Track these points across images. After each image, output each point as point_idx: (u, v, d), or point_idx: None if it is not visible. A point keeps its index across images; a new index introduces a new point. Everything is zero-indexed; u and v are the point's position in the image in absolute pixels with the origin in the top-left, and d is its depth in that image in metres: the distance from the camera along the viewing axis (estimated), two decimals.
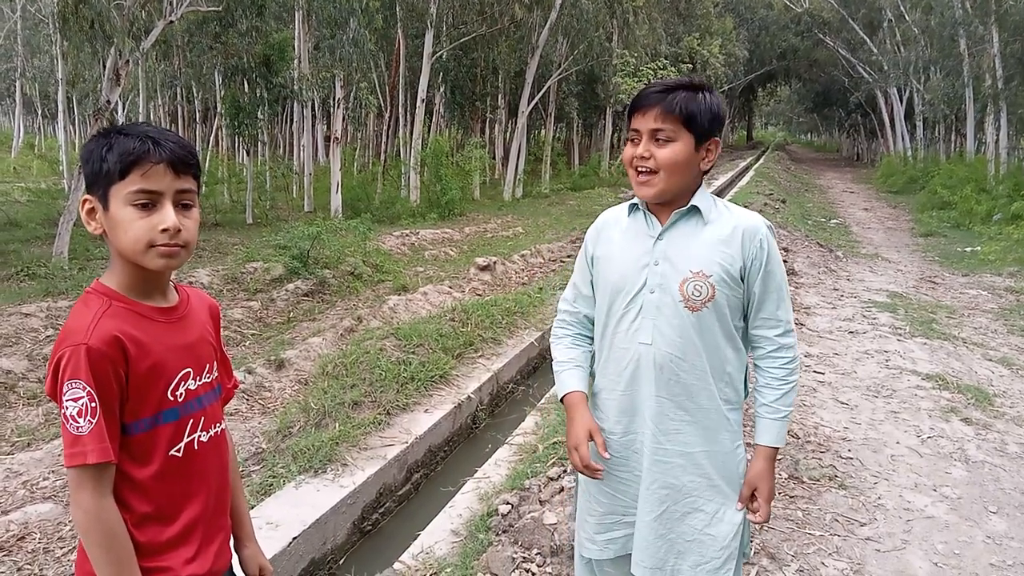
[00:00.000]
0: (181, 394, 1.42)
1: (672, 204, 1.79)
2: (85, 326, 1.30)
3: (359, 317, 7.06)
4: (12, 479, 3.95)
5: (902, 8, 26.85)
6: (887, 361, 5.95)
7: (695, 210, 1.78)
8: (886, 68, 29.07)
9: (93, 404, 1.28)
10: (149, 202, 1.33)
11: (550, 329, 6.47)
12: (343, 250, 9.90)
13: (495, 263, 9.91)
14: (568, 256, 11.39)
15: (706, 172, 1.80)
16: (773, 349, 1.81)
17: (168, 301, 1.46)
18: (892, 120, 32.11)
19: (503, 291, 8.80)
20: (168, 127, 21.40)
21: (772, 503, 1.87)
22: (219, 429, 1.54)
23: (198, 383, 1.47)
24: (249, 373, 5.46)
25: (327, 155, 20.12)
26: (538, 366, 6.61)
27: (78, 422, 1.27)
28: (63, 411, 1.28)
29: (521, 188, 21.61)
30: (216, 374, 1.55)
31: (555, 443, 4.10)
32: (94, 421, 1.28)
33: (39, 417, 4.99)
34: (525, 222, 15.62)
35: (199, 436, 1.46)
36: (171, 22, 11.65)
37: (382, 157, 22.06)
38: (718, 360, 1.79)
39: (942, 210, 17.09)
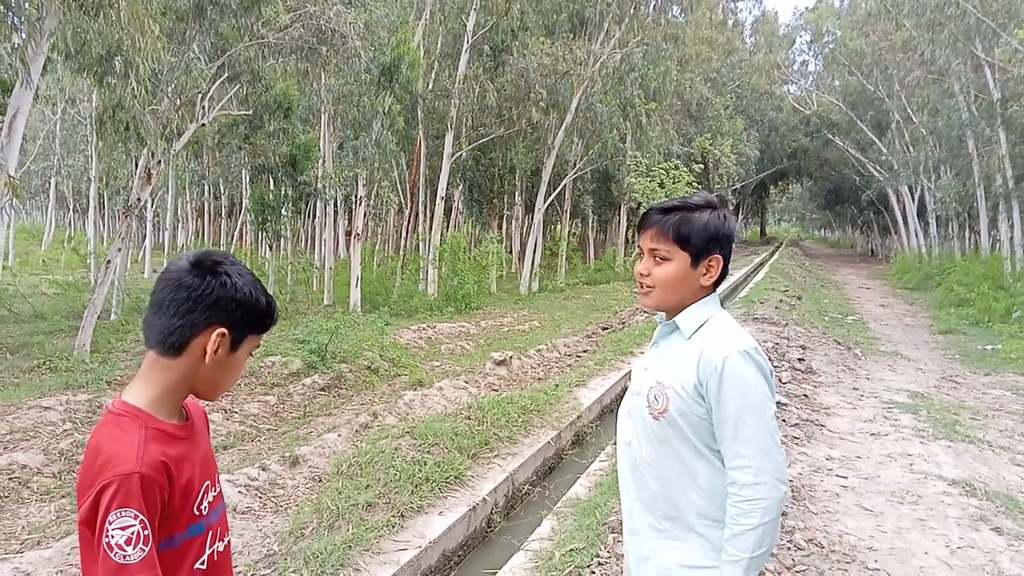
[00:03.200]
0: (204, 507, 1.45)
1: (676, 314, 1.86)
2: (132, 453, 1.31)
3: (375, 413, 7.04)
4: None
5: (909, 110, 27.56)
6: (911, 465, 5.81)
7: (676, 326, 1.84)
8: (896, 167, 29.57)
9: (146, 532, 1.28)
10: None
11: (567, 428, 6.41)
12: (361, 344, 9.99)
13: (511, 358, 9.91)
14: (584, 351, 11.38)
15: (716, 284, 1.85)
16: (730, 483, 1.69)
17: (183, 417, 1.49)
18: (905, 217, 32.42)
19: (519, 386, 8.77)
20: (195, 221, 22.06)
21: None
22: (228, 539, 1.57)
23: (213, 494, 1.51)
24: (263, 470, 5.43)
25: (348, 249, 20.53)
26: (554, 466, 6.51)
27: (125, 550, 1.26)
28: (105, 539, 1.26)
29: (537, 282, 21.85)
30: (220, 484, 1.59)
31: (572, 550, 4.00)
32: (146, 549, 1.28)
33: (51, 514, 4.96)
34: (541, 316, 15.71)
35: (217, 547, 1.49)
36: (203, 125, 12.21)
37: (401, 252, 22.45)
38: (684, 471, 1.77)
39: (960, 307, 17.00)
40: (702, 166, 27.65)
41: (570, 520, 4.55)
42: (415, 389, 8.33)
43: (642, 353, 10.65)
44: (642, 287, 1.86)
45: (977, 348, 12.61)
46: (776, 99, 40.03)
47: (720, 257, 1.82)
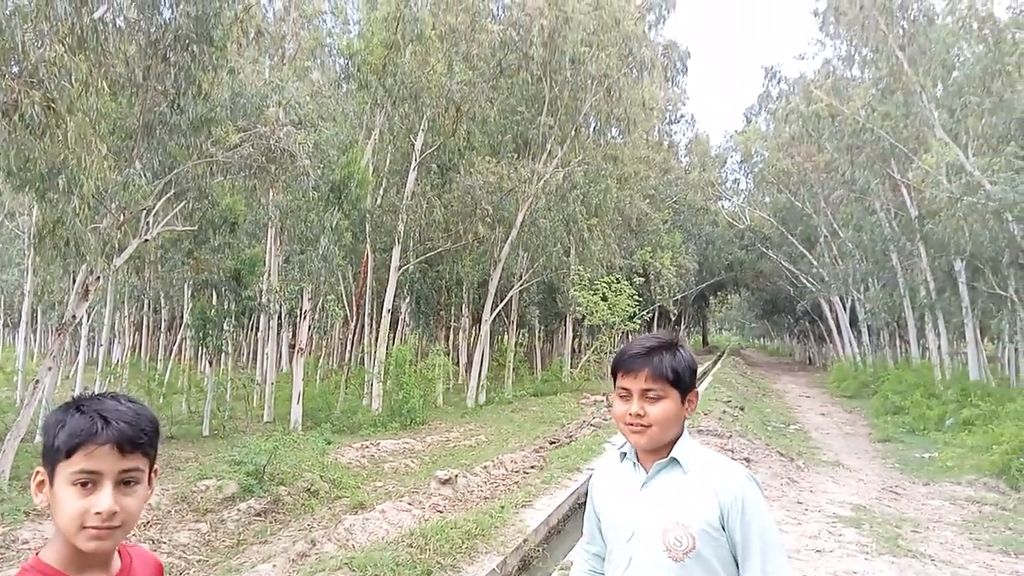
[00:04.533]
0: None
1: (659, 452, 1.89)
2: None
3: (313, 540, 6.75)
4: None
5: (835, 226, 29.12)
6: None
7: (676, 461, 1.87)
8: (827, 279, 30.89)
9: None
10: (89, 482, 1.30)
11: (512, 553, 6.24)
12: (300, 465, 9.66)
13: (456, 476, 9.69)
14: (531, 467, 11.22)
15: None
16: None
17: (109, 572, 1.40)
18: (839, 327, 33.62)
19: (465, 507, 8.55)
20: (132, 336, 21.42)
21: None
22: None
23: None
24: None
25: (291, 362, 20.18)
26: None
27: None
28: None
29: (484, 394, 21.69)
30: None
31: None
32: None
33: None
34: (488, 430, 15.51)
35: None
36: (146, 241, 12.14)
37: (346, 365, 22.15)
38: None
39: (896, 415, 17.46)
40: (643, 278, 28.45)
41: None
42: (356, 512, 8.05)
43: (590, 469, 10.55)
44: (633, 427, 1.86)
45: (915, 456, 12.89)
46: (712, 214, 41.92)
47: (698, 392, 1.93)
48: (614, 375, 1.93)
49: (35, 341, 26.73)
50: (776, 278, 40.08)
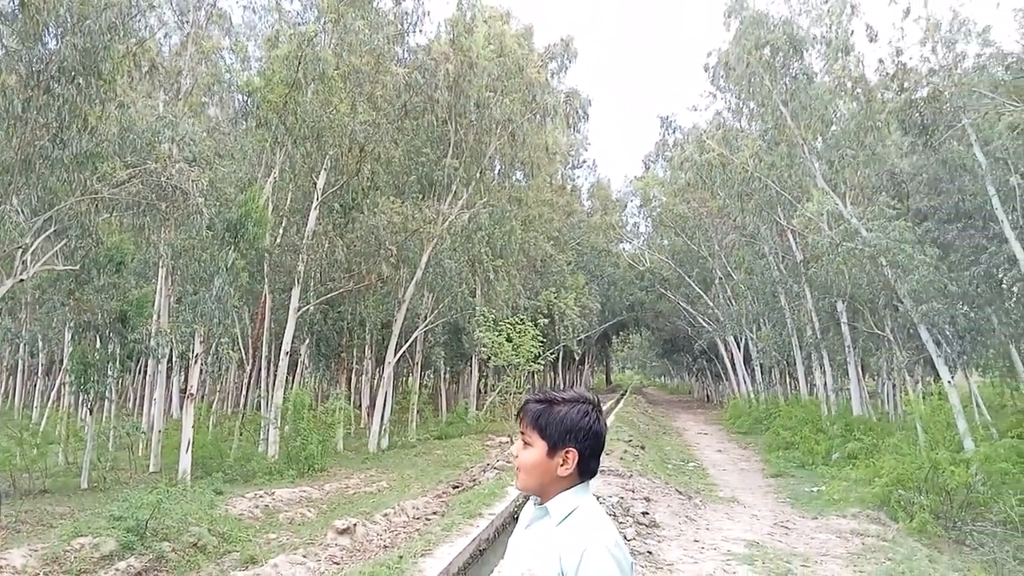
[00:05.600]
0: None
1: (548, 499, 1.92)
2: None
3: None
4: None
5: (728, 268, 30.47)
6: None
7: (547, 510, 1.91)
8: (722, 319, 32.17)
9: None
10: None
11: None
12: (186, 518, 9.14)
13: (355, 525, 9.38)
14: (433, 513, 10.99)
15: (585, 475, 1.92)
16: None
17: None
18: (734, 365, 34.96)
19: (363, 556, 8.27)
20: (6, 380, 19.96)
21: None
22: None
23: None
24: None
25: (181, 409, 19.16)
26: None
27: None
28: None
29: (387, 438, 21.23)
30: None
31: None
32: None
33: None
34: (390, 476, 15.16)
35: None
36: (21, 281, 11.36)
37: (241, 410, 21.24)
38: None
39: (787, 450, 18.18)
40: (548, 319, 28.78)
41: None
42: (246, 567, 7.66)
43: (492, 515, 10.44)
44: (516, 469, 1.97)
45: (804, 490, 13.44)
46: (613, 256, 43.04)
47: (575, 451, 1.90)
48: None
49: None
50: (675, 318, 41.38)
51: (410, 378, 26.26)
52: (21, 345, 19.94)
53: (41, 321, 16.32)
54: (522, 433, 1.95)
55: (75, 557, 7.85)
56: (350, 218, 20.63)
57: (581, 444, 1.91)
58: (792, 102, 18.82)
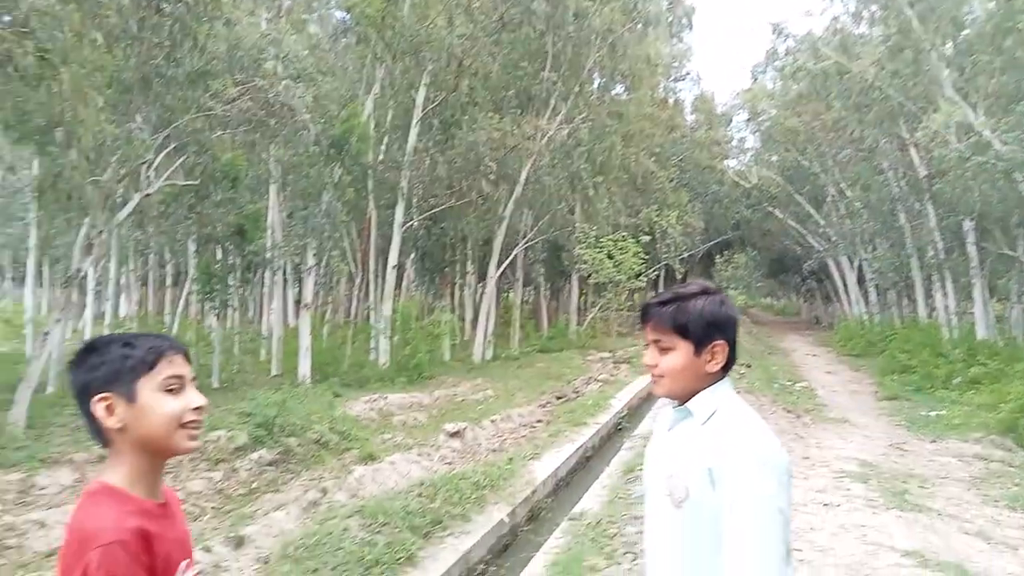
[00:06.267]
0: None
1: (688, 399, 1.83)
2: (112, 526, 1.34)
3: (324, 489, 6.80)
4: None
5: (843, 185, 28.79)
6: (864, 536, 5.81)
7: (689, 411, 1.80)
8: (834, 239, 30.65)
9: None
10: (177, 386, 1.47)
11: (521, 503, 6.26)
12: (309, 417, 9.69)
13: (465, 429, 9.74)
14: (538, 421, 11.26)
15: (727, 369, 1.82)
16: None
17: (161, 497, 1.52)
18: (846, 286, 33.44)
19: (473, 459, 8.59)
20: (139, 290, 21.41)
21: None
22: None
23: (192, 574, 1.52)
24: (206, 551, 5.13)
25: (298, 317, 20.19)
26: (509, 544, 6.33)
27: None
28: None
29: (491, 350, 21.72)
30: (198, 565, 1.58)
31: None
32: None
33: None
34: (495, 385, 15.56)
35: None
36: (147, 195, 12.01)
37: (352, 320, 22.16)
38: (705, 565, 1.67)
39: (903, 374, 17.43)
40: (649, 237, 28.24)
41: None
42: (366, 463, 8.09)
43: (597, 424, 10.59)
44: (652, 376, 1.86)
45: (921, 414, 12.89)
46: (717, 173, 41.36)
47: (724, 343, 1.80)
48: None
49: (43, 295, 26.79)
50: (783, 237, 39.71)
51: (511, 293, 26.59)
52: (151, 257, 21.33)
53: (167, 234, 17.31)
54: (655, 340, 1.82)
55: (213, 447, 8.49)
56: (450, 134, 20.59)
57: (727, 334, 1.80)
58: (919, 3, 17.12)
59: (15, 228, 25.45)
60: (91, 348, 1.50)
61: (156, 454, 1.47)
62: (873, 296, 30.07)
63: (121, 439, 1.45)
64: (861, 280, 31.45)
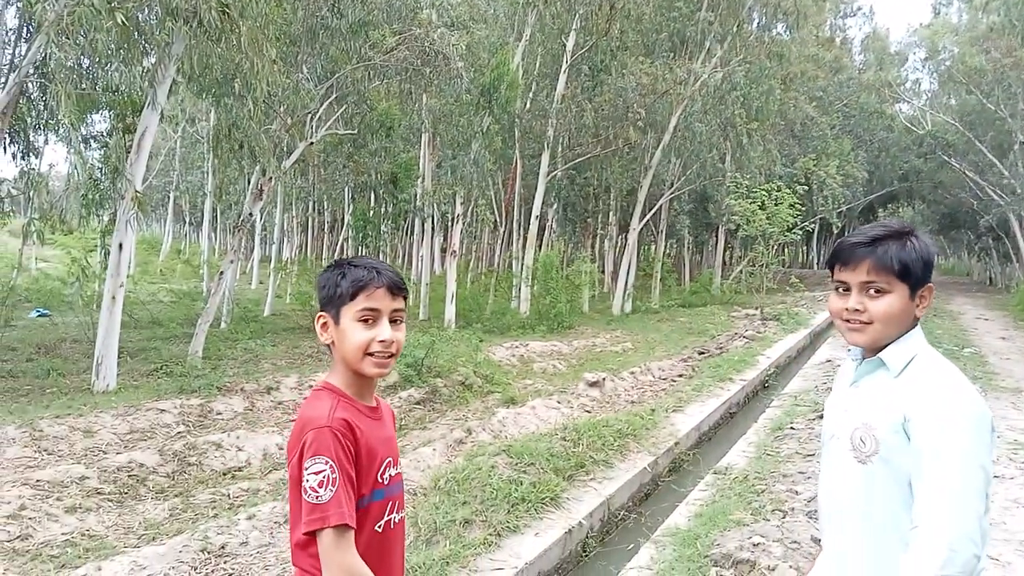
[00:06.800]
0: (386, 478, 1.68)
1: (878, 350, 1.73)
2: (325, 414, 1.58)
3: (469, 429, 7.08)
4: (137, 572, 4.10)
5: None
6: None
7: (882, 361, 1.71)
8: (1019, 191, 27.70)
9: (334, 476, 1.51)
10: (371, 319, 1.65)
11: (664, 454, 6.24)
12: (455, 360, 10.10)
13: (604, 380, 9.78)
14: (679, 375, 11.12)
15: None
16: (912, 529, 1.51)
17: (372, 403, 1.75)
18: None
19: (612, 409, 8.64)
20: (300, 235, 22.89)
21: None
22: (404, 515, 1.80)
23: (395, 471, 1.74)
24: None
25: (443, 266, 20.90)
26: (650, 493, 6.36)
27: (318, 492, 1.50)
28: (304, 483, 1.52)
29: (630, 303, 21.56)
30: (400, 468, 1.79)
31: None
32: (334, 490, 1.51)
33: (165, 512, 5.20)
34: (635, 338, 15.47)
35: (394, 517, 1.71)
36: (311, 144, 12.71)
37: (495, 269, 22.66)
38: (894, 522, 1.61)
39: None
40: (806, 187, 26.66)
41: (669, 550, 4.41)
42: (508, 407, 8.34)
43: (743, 380, 10.32)
44: (851, 323, 1.72)
45: None
46: (887, 119, 38.20)
47: (932, 286, 1.71)
48: (831, 267, 1.78)
49: (216, 239, 29.27)
50: (957, 190, 36.31)
51: (653, 246, 26.13)
52: (311, 203, 22.71)
53: (326, 182, 18.34)
54: (866, 284, 1.68)
55: None
56: (598, 81, 20.23)
57: (931, 277, 1.71)
58: None
59: (194, 176, 27.84)
60: (329, 267, 1.74)
61: (353, 369, 1.67)
62: None
63: (334, 351, 1.70)
64: None
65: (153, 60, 9.41)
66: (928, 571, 1.41)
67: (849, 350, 1.85)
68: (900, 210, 45.97)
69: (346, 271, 1.67)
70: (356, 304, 1.64)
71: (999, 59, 26.93)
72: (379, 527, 1.65)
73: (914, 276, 1.66)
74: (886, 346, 1.70)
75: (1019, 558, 4.56)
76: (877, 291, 1.67)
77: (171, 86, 9.67)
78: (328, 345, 1.70)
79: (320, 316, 1.70)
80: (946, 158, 34.31)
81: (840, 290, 1.75)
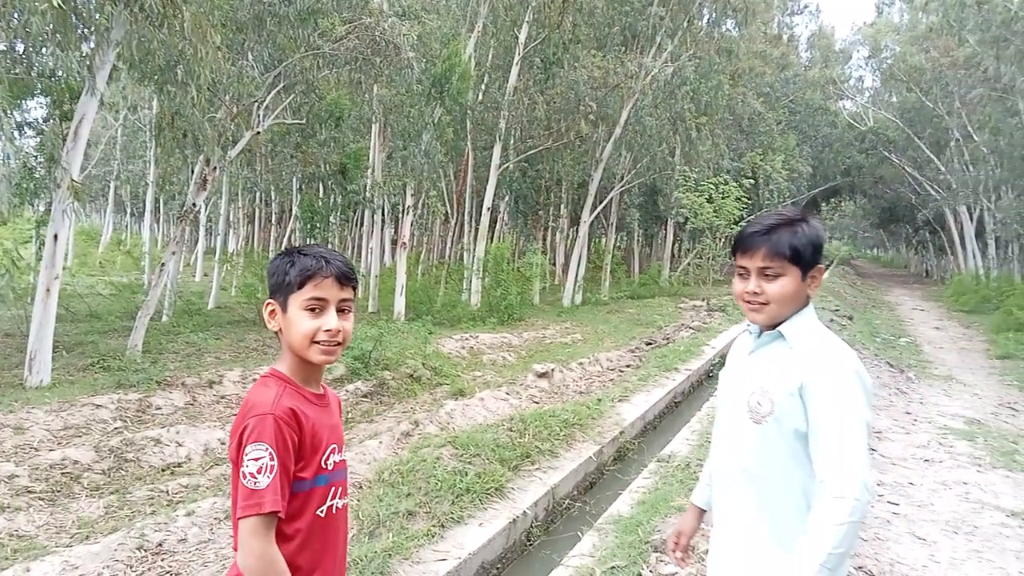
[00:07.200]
0: (330, 464, 1.70)
1: (775, 325, 1.93)
2: (270, 400, 1.60)
3: (416, 421, 7.06)
4: (70, 572, 3.99)
5: (969, 128, 26.78)
6: (967, 494, 5.60)
7: (781, 335, 1.90)
8: (954, 187, 28.75)
9: (272, 463, 1.54)
10: (319, 308, 1.68)
11: (609, 443, 6.33)
12: (404, 352, 10.06)
13: (553, 370, 9.86)
14: (627, 366, 11.26)
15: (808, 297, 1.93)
16: (819, 482, 1.70)
17: (319, 390, 1.78)
18: (962, 238, 31.46)
19: (560, 399, 8.72)
20: (246, 227, 22.42)
21: None
22: (347, 501, 1.81)
23: (339, 458, 1.76)
24: None
25: (394, 258, 20.74)
26: (595, 481, 6.43)
27: (256, 478, 1.53)
28: (242, 468, 1.54)
29: (581, 295, 21.74)
30: (345, 455, 1.83)
31: (613, 567, 3.94)
32: (271, 477, 1.53)
33: (100, 510, 5.07)
34: (584, 329, 15.61)
35: (336, 503, 1.73)
36: (257, 133, 12.46)
37: (446, 261, 22.58)
38: (784, 478, 1.82)
39: (1019, 332, 16.34)
40: (752, 181, 27.19)
41: (612, 537, 4.48)
42: (456, 399, 8.34)
43: (688, 370, 10.50)
44: (751, 304, 1.92)
45: None
46: (831, 115, 39.21)
47: (823, 267, 1.91)
48: (734, 254, 1.96)
49: (159, 230, 28.51)
50: (897, 184, 37.53)
51: (604, 238, 26.36)
52: (258, 194, 22.28)
53: (274, 172, 17.99)
54: (762, 269, 1.87)
55: None
56: (550, 73, 20.28)
57: (822, 258, 1.90)
58: None
59: (136, 165, 27.04)
60: (280, 255, 1.76)
61: (302, 359, 1.71)
62: (992, 249, 28.18)
63: (282, 338, 1.73)
64: (980, 232, 29.49)
65: (92, 45, 9.10)
66: (839, 519, 1.62)
67: (748, 325, 2.02)
68: (842, 204, 47.27)
69: (295, 259, 1.69)
70: (304, 293, 1.67)
71: (937, 58, 27.89)
72: (321, 512, 1.67)
73: (804, 260, 1.85)
74: (783, 322, 1.88)
75: (945, 538, 4.76)
76: (772, 275, 1.87)
77: (111, 72, 9.36)
78: (276, 332, 1.73)
79: (268, 303, 1.73)
80: (887, 154, 35.39)
81: (741, 275, 1.93)
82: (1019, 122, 22.05)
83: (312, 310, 1.67)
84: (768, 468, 1.84)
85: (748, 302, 1.92)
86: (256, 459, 1.52)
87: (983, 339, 16.67)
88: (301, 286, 1.67)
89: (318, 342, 1.66)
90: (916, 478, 5.97)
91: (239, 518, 1.53)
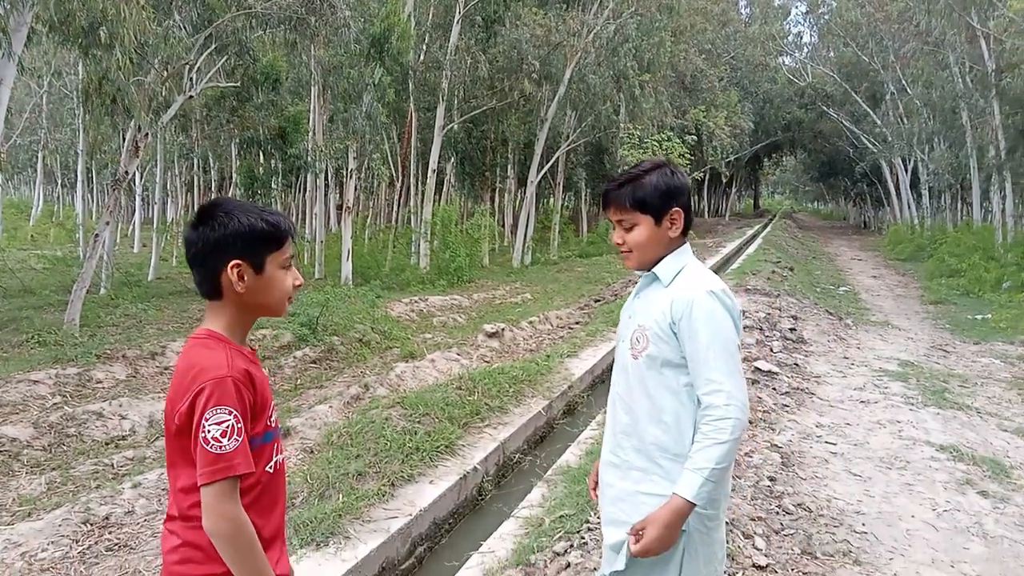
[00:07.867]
0: (273, 421, 1.73)
1: (655, 267, 2.08)
2: (223, 363, 1.57)
3: (366, 385, 7.04)
4: (11, 550, 3.90)
5: (904, 82, 27.42)
6: (900, 432, 5.86)
7: (656, 276, 2.05)
8: (890, 139, 29.49)
9: (239, 425, 1.54)
10: (290, 265, 1.73)
11: (558, 397, 6.41)
12: (352, 317, 9.97)
13: (503, 330, 9.91)
14: (576, 323, 11.39)
15: (685, 233, 2.05)
16: (703, 407, 1.86)
17: (249, 347, 1.75)
18: (898, 189, 32.42)
19: (511, 358, 8.78)
20: (184, 195, 21.75)
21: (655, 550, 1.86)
22: (286, 454, 1.85)
23: (276, 415, 1.77)
24: None
25: (339, 223, 20.41)
26: (545, 436, 6.53)
27: (221, 442, 1.51)
28: (202, 434, 1.51)
29: (530, 255, 21.80)
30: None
31: (562, 516, 4.02)
32: (239, 440, 1.53)
33: (42, 486, 4.95)
34: (534, 289, 15.69)
35: (278, 458, 1.75)
36: (190, 97, 12.04)
37: (393, 225, 22.34)
38: (652, 406, 1.97)
39: (951, 278, 17.06)
40: (695, 138, 27.45)
41: (560, 487, 4.56)
42: (406, 361, 8.33)
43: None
44: (622, 252, 2.09)
45: (967, 318, 12.68)
46: (771, 71, 39.72)
47: (679, 209, 2.01)
48: (605, 208, 2.13)
49: (92, 200, 27.49)
50: (835, 139, 38.35)
51: (551, 199, 26.38)
52: (195, 161, 21.58)
53: (211, 138, 17.42)
54: (619, 221, 2.05)
55: (259, 345, 8.81)
56: (492, 32, 20.00)
57: (681, 201, 2.01)
58: None
59: (64, 134, 25.90)
60: (215, 207, 1.68)
61: (258, 314, 1.74)
62: (926, 199, 29.15)
63: (235, 299, 1.67)
64: (915, 183, 30.43)
65: (7, 5, 8.61)
66: (721, 438, 1.80)
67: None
68: (784, 159, 48.10)
69: (266, 216, 1.67)
70: (283, 252, 1.70)
71: (872, 13, 28.37)
72: (270, 468, 1.69)
73: (653, 207, 1.99)
74: (658, 263, 2.02)
75: (879, 473, 4.98)
76: (628, 225, 2.04)
77: (29, 35, 8.88)
78: (224, 292, 1.66)
79: (236, 264, 1.63)
80: (825, 109, 36.06)
81: (613, 227, 2.10)
82: (950, 75, 22.64)
83: (286, 267, 1.72)
84: (641, 397, 1.99)
85: (620, 251, 2.09)
86: (220, 423, 1.51)
87: (918, 286, 17.33)
88: (281, 244, 1.69)
89: (289, 296, 1.73)
90: (853, 419, 6.21)
91: (204, 484, 1.51)
